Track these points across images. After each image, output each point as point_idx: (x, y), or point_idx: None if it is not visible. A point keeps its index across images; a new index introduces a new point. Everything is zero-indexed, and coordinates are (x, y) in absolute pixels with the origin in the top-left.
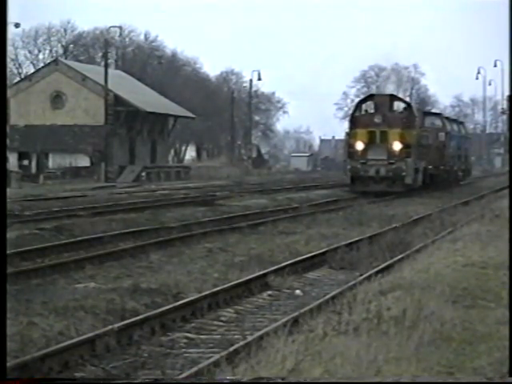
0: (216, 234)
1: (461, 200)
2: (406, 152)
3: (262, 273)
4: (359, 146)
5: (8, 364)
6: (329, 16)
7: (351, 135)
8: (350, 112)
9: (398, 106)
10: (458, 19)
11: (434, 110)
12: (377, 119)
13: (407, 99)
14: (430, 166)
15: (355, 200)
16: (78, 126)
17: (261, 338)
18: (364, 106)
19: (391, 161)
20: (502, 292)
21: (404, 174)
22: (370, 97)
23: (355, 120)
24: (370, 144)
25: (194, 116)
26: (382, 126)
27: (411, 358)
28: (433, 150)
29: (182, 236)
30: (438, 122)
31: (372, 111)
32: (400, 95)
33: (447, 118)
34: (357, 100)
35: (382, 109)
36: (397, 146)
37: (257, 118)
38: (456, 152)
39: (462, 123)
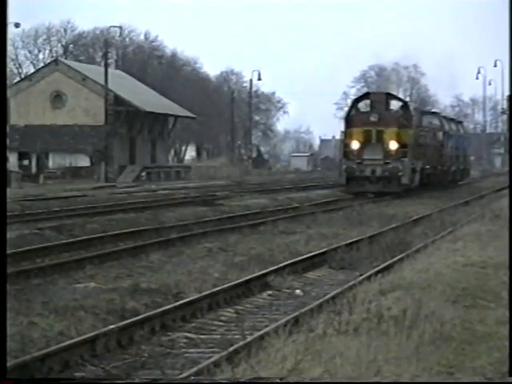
0: (216, 233)
1: (461, 200)
2: (402, 152)
3: (262, 273)
4: (355, 145)
5: (8, 364)
6: (329, 16)
7: (347, 134)
8: (346, 110)
9: (395, 104)
10: (458, 19)
11: (433, 110)
12: (373, 118)
13: (407, 99)
14: (428, 166)
15: (355, 200)
16: (78, 126)
17: (261, 337)
18: (360, 105)
19: (387, 161)
20: (502, 292)
21: (400, 174)
22: (365, 95)
23: (351, 119)
24: (365, 143)
25: (194, 116)
26: (377, 125)
27: (411, 357)
28: (430, 149)
29: (182, 236)
30: (436, 122)
31: (368, 110)
32: (400, 95)
33: (445, 117)
34: (353, 98)
35: (377, 107)
36: (393, 145)
37: (257, 117)
38: (454, 152)
39: (460, 122)
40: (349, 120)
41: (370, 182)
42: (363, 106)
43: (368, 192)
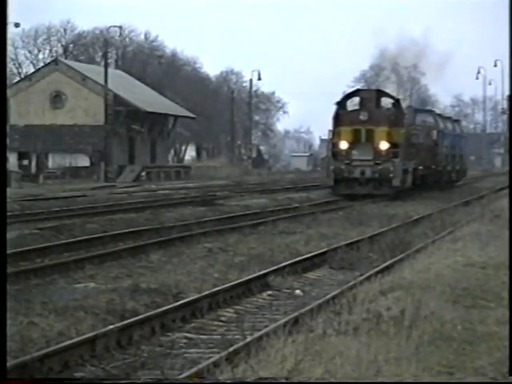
0: (216, 233)
1: (461, 200)
2: (393, 152)
3: (262, 273)
4: (343, 145)
5: (8, 364)
6: (329, 16)
7: (335, 133)
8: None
9: (386, 102)
10: (459, 19)
11: (431, 109)
12: (362, 116)
13: (407, 99)
14: (421, 167)
15: (355, 200)
16: (78, 126)
17: (261, 338)
18: (349, 102)
19: (377, 161)
20: (502, 292)
21: (391, 175)
22: (355, 92)
23: (339, 117)
24: (354, 143)
25: (194, 116)
26: (367, 124)
27: (411, 358)
28: (424, 149)
29: (182, 236)
30: (430, 120)
31: (357, 108)
32: (400, 95)
33: (440, 115)
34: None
35: (368, 105)
36: (383, 145)
37: (257, 117)
38: (450, 151)
39: (457, 121)
40: (337, 118)
41: (360, 184)
42: (353, 103)
43: (357, 194)
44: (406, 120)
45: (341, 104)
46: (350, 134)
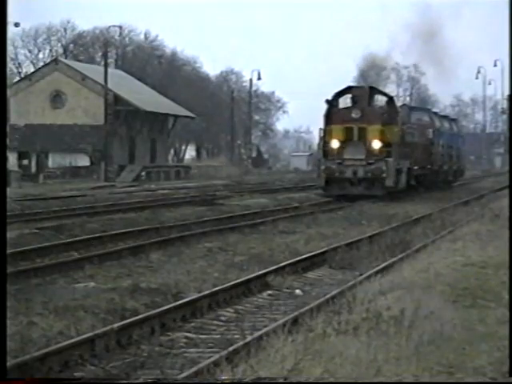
0: (216, 233)
1: (461, 200)
2: (386, 151)
3: (261, 272)
4: (334, 144)
5: (8, 364)
6: (329, 15)
7: (326, 132)
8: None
9: (379, 99)
10: (459, 19)
11: (432, 108)
12: (354, 114)
13: (407, 99)
14: (416, 167)
15: (355, 200)
16: (78, 126)
17: (260, 337)
18: (341, 100)
19: (370, 161)
20: (502, 292)
21: (384, 175)
22: (347, 89)
23: (330, 115)
24: (346, 142)
25: (194, 116)
26: (359, 122)
27: (411, 357)
28: (419, 148)
29: (182, 235)
30: (426, 118)
31: (349, 105)
32: (400, 95)
33: (436, 113)
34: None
35: (360, 102)
36: (376, 144)
37: (257, 117)
38: (446, 151)
39: (454, 120)
40: (329, 116)
41: (352, 184)
42: (345, 101)
43: (349, 195)
44: (401, 118)
45: (332, 101)
46: (342, 132)
